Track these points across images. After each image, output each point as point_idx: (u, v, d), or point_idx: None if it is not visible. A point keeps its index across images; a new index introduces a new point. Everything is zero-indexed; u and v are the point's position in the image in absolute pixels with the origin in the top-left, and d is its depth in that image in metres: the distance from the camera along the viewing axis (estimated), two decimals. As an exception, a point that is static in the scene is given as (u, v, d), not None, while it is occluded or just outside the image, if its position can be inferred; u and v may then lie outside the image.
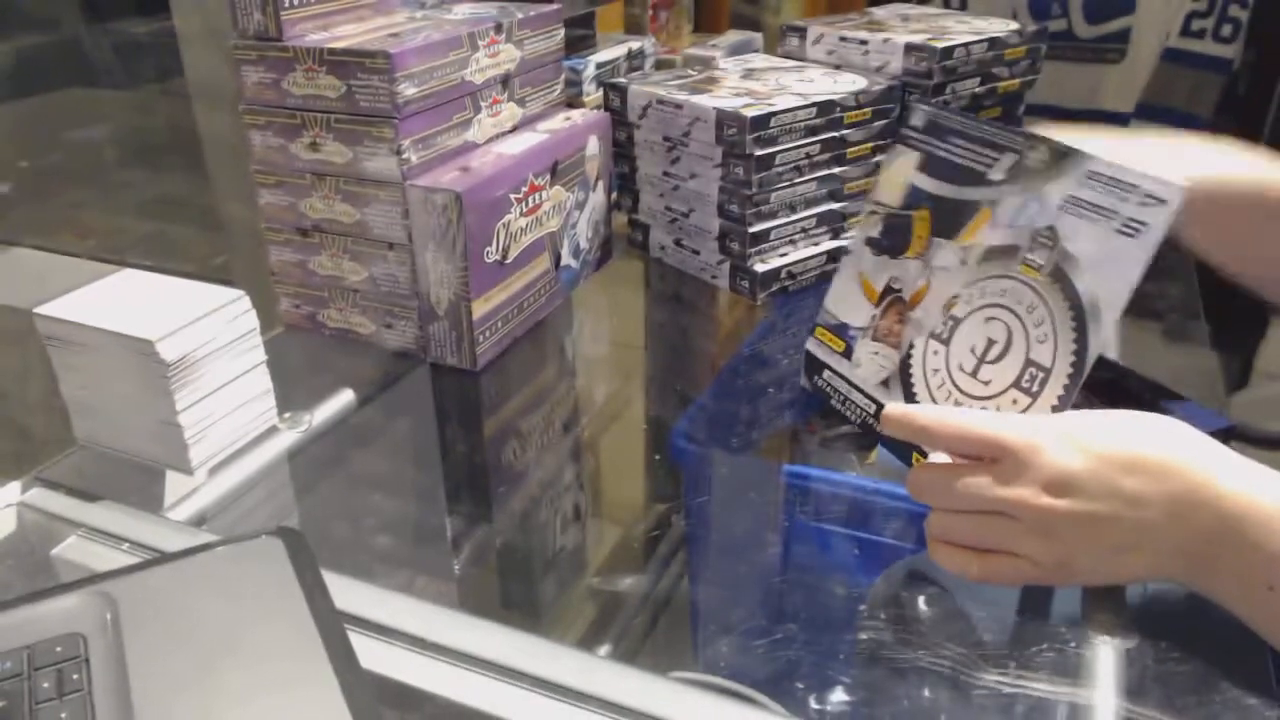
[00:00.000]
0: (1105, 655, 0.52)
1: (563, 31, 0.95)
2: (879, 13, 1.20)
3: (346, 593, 0.52)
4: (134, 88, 1.73)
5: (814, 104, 0.90)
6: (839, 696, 0.57)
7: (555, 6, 0.93)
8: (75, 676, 0.43)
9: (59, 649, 0.44)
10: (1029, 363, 0.47)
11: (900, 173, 0.55)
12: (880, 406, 0.56)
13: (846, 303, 0.59)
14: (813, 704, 0.55)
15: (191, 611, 0.47)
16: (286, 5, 0.75)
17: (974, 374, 0.50)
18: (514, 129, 0.90)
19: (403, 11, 0.89)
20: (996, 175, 0.50)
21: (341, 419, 0.76)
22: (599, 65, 1.14)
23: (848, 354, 0.59)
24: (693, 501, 0.73)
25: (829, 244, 0.97)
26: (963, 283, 0.51)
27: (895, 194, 0.56)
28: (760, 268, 0.91)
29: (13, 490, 0.64)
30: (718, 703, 0.48)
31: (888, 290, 0.56)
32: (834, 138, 0.94)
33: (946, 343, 0.51)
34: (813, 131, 0.91)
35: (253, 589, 0.49)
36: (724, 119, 0.88)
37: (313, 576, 0.49)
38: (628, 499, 0.78)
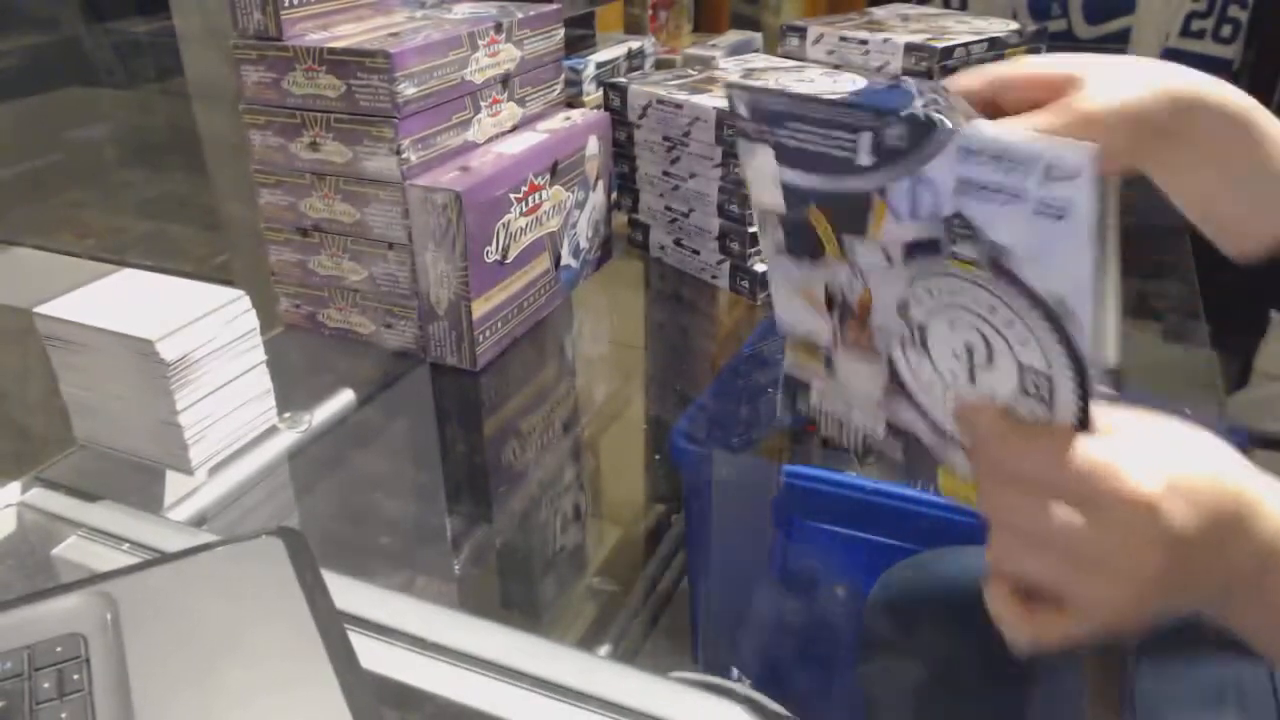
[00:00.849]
0: (1105, 655, 0.52)
1: (563, 31, 0.95)
2: (879, 13, 1.20)
3: (346, 593, 0.52)
4: (134, 87, 1.73)
5: (814, 104, 0.90)
6: (839, 696, 0.57)
7: (555, 6, 0.93)
8: (76, 677, 0.43)
9: (59, 649, 0.44)
10: (1023, 368, 0.41)
11: (763, 170, 0.47)
12: (888, 424, 0.50)
13: (798, 316, 0.52)
14: (813, 704, 0.55)
15: (192, 612, 0.47)
16: (286, 5, 0.75)
17: (973, 383, 0.43)
18: (514, 129, 0.90)
19: (403, 11, 0.88)
20: (864, 160, 0.42)
21: (341, 419, 0.76)
22: (599, 65, 1.14)
23: (830, 367, 0.52)
24: (693, 501, 0.73)
25: (829, 244, 0.96)
26: (904, 282, 0.44)
27: (773, 195, 0.48)
28: (760, 268, 0.91)
29: (13, 490, 0.64)
30: (718, 703, 0.48)
31: (830, 298, 0.49)
32: (834, 138, 0.94)
33: (925, 350, 0.45)
34: (813, 131, 0.91)
35: (253, 589, 0.49)
36: (724, 119, 0.88)
37: (313, 576, 0.49)
38: (628, 499, 0.78)
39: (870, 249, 0.45)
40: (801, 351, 0.53)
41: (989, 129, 0.37)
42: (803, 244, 0.49)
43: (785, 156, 0.46)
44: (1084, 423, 0.40)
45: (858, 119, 0.42)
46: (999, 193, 0.37)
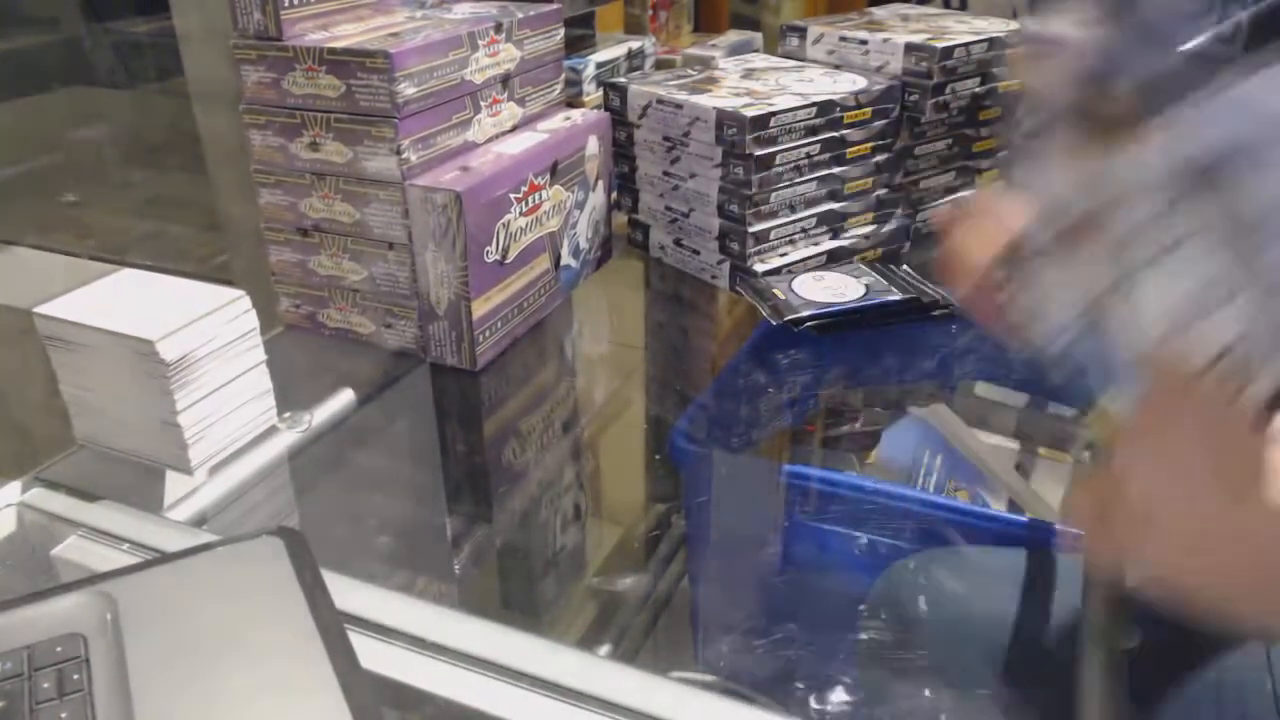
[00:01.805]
0: (1104, 653, 0.52)
1: (563, 31, 0.95)
2: (879, 13, 1.20)
3: (347, 593, 0.52)
4: (134, 87, 1.73)
5: (814, 104, 0.90)
6: (839, 696, 0.57)
7: (555, 6, 0.93)
8: (75, 677, 0.43)
9: (59, 649, 0.44)
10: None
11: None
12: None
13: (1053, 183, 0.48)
14: (813, 704, 0.55)
15: (192, 612, 0.47)
16: (286, 5, 0.75)
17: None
18: (514, 129, 0.90)
19: (403, 11, 0.89)
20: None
21: (341, 419, 0.76)
22: (599, 65, 1.14)
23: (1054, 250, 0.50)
24: (692, 501, 0.73)
25: (829, 244, 0.97)
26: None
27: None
28: (760, 268, 0.91)
29: (13, 490, 0.64)
30: (718, 703, 0.48)
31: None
32: (834, 138, 0.94)
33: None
34: (812, 131, 0.92)
35: (253, 589, 0.49)
36: (724, 119, 0.88)
37: (313, 576, 0.49)
38: (628, 499, 0.78)
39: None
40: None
41: None
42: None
43: None
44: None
45: None
46: None
